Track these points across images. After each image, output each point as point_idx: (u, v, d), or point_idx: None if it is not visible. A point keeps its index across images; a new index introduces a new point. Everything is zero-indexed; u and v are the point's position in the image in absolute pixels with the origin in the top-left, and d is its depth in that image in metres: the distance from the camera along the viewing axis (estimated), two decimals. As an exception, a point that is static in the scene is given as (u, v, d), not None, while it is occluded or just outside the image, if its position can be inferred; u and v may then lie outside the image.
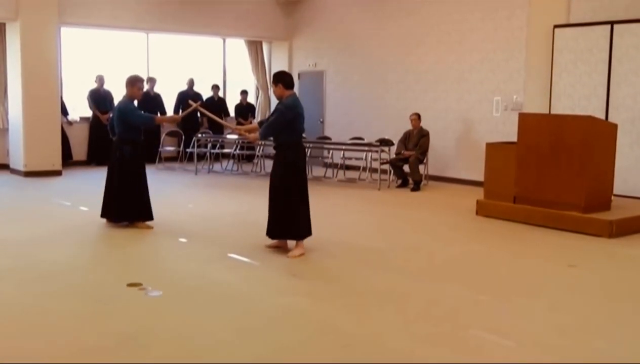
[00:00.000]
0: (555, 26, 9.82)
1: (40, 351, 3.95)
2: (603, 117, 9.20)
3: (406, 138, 11.26)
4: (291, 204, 6.20)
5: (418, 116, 11.18)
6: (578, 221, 7.51)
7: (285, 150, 6.27)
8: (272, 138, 6.44)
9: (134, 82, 7.47)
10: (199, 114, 14.25)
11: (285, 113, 6.17)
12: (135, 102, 7.66)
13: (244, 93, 14.67)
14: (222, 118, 14.40)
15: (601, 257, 6.61)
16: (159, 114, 13.48)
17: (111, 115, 8.00)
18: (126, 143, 7.40)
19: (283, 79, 6.31)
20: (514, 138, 8.44)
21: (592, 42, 9.45)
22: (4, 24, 11.76)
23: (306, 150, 6.55)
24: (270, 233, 6.36)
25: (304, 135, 6.78)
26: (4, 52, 11.96)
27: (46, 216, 8.17)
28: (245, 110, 14.63)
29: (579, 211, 7.57)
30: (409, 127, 11.26)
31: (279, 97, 6.35)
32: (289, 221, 6.23)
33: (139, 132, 7.51)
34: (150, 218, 7.50)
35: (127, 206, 7.40)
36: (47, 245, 6.68)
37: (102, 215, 7.53)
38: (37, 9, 11.33)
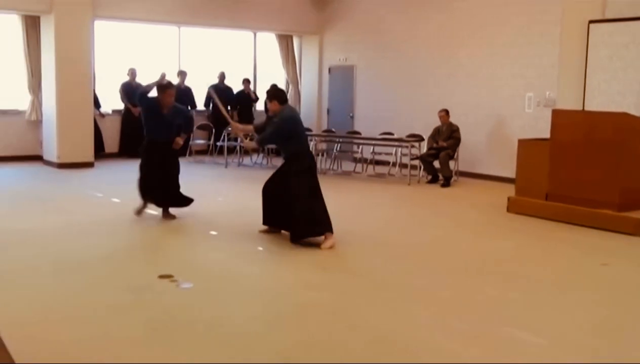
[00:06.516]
0: (590, 21, 9.66)
1: (72, 340, 4.01)
2: (638, 113, 9.03)
3: (436, 134, 11.18)
4: (308, 203, 6.31)
5: (446, 112, 11.11)
6: (612, 219, 7.40)
7: (296, 160, 6.46)
8: (282, 150, 6.70)
9: (164, 89, 7.32)
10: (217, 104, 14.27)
11: (282, 126, 6.37)
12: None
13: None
14: (252, 111, 14.55)
15: (635, 256, 6.51)
16: (189, 108, 13.64)
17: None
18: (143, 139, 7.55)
19: (279, 96, 6.51)
20: (547, 135, 8.34)
21: (628, 38, 9.28)
22: (39, 17, 11.92)
23: (314, 157, 7.12)
24: (292, 234, 6.43)
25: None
26: (38, 45, 12.11)
27: (79, 207, 8.28)
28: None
29: (612, 209, 7.46)
30: (439, 122, 11.19)
31: (273, 113, 6.51)
32: (310, 219, 6.33)
33: (151, 129, 7.43)
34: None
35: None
36: (79, 236, 6.77)
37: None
38: (71, 2, 11.47)
